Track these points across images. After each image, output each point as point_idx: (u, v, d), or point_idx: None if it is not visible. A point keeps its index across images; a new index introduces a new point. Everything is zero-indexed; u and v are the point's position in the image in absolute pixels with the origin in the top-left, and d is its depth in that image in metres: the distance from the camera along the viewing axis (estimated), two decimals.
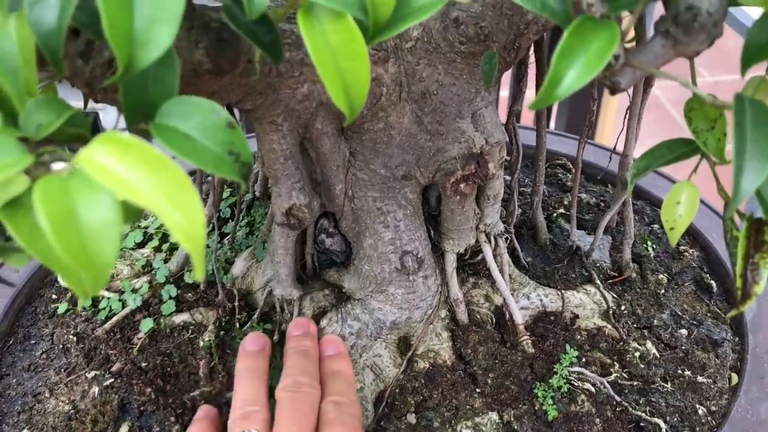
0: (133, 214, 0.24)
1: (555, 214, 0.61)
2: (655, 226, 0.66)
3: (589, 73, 0.22)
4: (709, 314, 0.59)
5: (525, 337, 0.50)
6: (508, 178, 0.57)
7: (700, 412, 0.51)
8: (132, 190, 0.18)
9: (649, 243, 0.63)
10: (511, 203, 0.53)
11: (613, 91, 0.26)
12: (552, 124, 1.32)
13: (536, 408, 0.48)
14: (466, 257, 0.52)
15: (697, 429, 0.50)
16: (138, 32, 0.22)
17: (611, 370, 0.52)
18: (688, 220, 0.34)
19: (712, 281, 0.61)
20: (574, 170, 0.56)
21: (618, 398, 0.50)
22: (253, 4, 0.24)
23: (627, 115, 0.52)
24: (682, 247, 0.63)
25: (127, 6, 0.22)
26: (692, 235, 0.65)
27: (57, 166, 0.20)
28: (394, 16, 0.26)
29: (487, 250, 0.50)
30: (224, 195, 0.63)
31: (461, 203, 0.47)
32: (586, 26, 0.23)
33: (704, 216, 0.66)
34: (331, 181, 0.46)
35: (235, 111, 0.45)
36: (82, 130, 0.24)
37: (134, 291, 0.56)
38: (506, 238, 0.52)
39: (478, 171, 0.45)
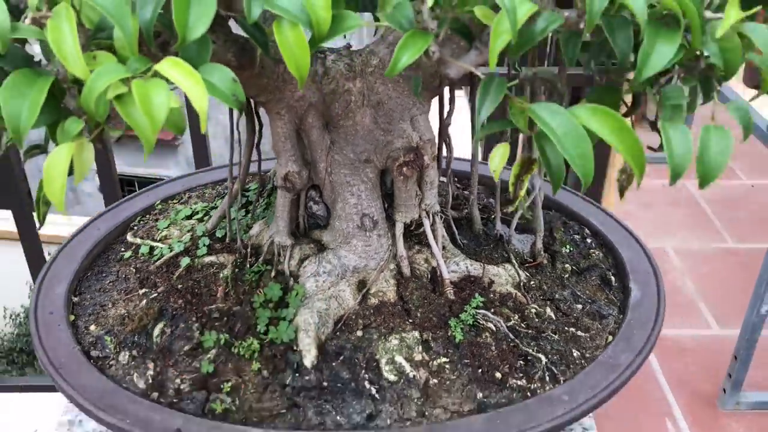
0: (177, 121, 0.46)
1: (492, 216, 0.81)
2: (577, 236, 0.85)
3: (413, 56, 0.44)
4: (605, 299, 0.77)
5: (449, 288, 0.70)
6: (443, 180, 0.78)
7: (575, 355, 0.69)
8: (175, 80, 0.40)
9: (567, 246, 0.81)
10: (447, 192, 0.74)
11: (446, 80, 0.48)
12: None
13: (449, 334, 0.67)
14: (412, 228, 0.72)
15: (570, 366, 0.67)
16: (190, 23, 0.44)
17: (512, 319, 0.70)
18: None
19: (613, 278, 0.79)
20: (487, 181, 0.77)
21: (512, 337, 0.68)
22: (250, 15, 0.46)
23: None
24: (592, 251, 0.82)
25: (186, 11, 0.44)
26: (606, 246, 0.84)
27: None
28: (329, 32, 0.48)
29: (426, 223, 0.70)
30: (253, 187, 0.85)
31: (405, 183, 0.68)
32: (416, 34, 0.44)
33: (616, 232, 0.85)
34: (317, 161, 0.68)
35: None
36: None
37: (179, 242, 0.78)
38: (442, 217, 0.72)
39: (416, 159, 0.66)
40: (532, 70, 0.50)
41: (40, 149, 0.50)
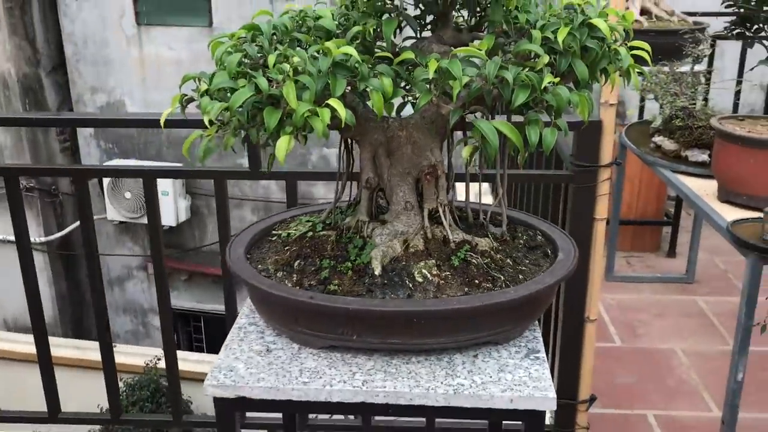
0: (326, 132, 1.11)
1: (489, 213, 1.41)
2: (531, 232, 1.44)
3: (424, 100, 1.08)
4: (543, 259, 1.34)
5: (452, 244, 1.29)
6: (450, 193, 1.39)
7: (520, 278, 1.26)
8: (336, 112, 1.05)
9: (524, 236, 1.41)
10: (451, 194, 1.36)
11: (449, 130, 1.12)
12: None
13: (451, 263, 1.26)
14: (434, 213, 1.33)
15: (517, 282, 1.25)
16: (337, 92, 1.09)
17: (485, 260, 1.28)
18: None
19: (549, 252, 1.37)
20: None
21: (485, 267, 1.26)
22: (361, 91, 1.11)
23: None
24: (539, 239, 1.41)
25: (337, 89, 1.09)
26: (548, 238, 1.42)
27: None
28: (391, 97, 1.13)
29: (440, 209, 1.31)
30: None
31: (428, 185, 1.30)
32: (426, 94, 1.09)
33: (557, 232, 1.43)
34: (383, 173, 1.31)
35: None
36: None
37: (304, 228, 1.40)
38: (449, 208, 1.33)
39: (434, 172, 1.28)
40: (478, 108, 1.13)
41: (268, 143, 1.14)
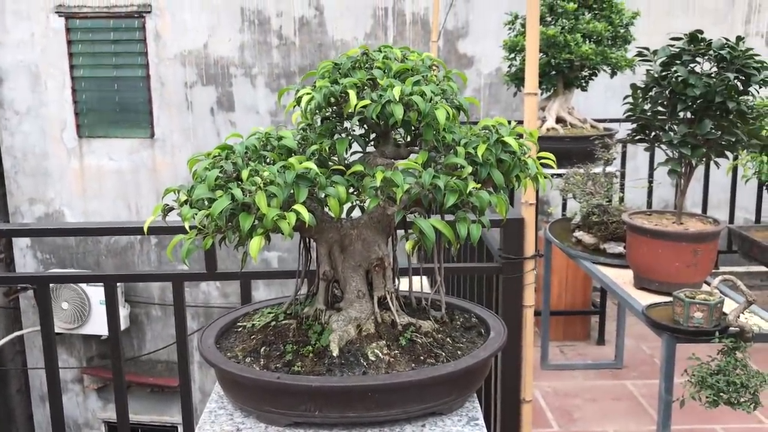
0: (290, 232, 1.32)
1: (422, 300, 1.62)
2: (466, 315, 1.65)
3: (373, 204, 1.31)
4: (478, 337, 1.55)
5: (399, 326, 1.49)
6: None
7: (459, 353, 1.46)
8: (299, 214, 1.26)
9: (460, 318, 1.62)
10: (396, 283, 1.57)
11: (393, 228, 1.34)
12: None
13: (399, 343, 1.45)
14: (382, 300, 1.53)
15: (456, 357, 1.45)
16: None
17: (428, 339, 1.48)
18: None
19: (483, 331, 1.58)
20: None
21: (429, 346, 1.46)
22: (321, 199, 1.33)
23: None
24: (474, 320, 1.62)
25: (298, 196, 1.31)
26: (482, 320, 1.64)
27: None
28: (346, 201, 1.35)
29: (388, 297, 1.52)
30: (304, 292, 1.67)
31: (377, 276, 1.51)
32: (375, 199, 1.32)
33: (489, 315, 1.65)
34: (337, 266, 1.51)
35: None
36: None
37: (267, 318, 1.58)
38: (395, 294, 1.54)
39: (381, 264, 1.50)
40: (416, 209, 1.35)
41: (241, 243, 1.33)
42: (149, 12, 6.77)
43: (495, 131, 1.36)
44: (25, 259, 7.52)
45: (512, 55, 4.46)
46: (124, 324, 7.37)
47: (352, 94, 1.32)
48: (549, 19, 4.40)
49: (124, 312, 7.39)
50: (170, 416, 7.56)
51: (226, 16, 6.70)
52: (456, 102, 1.39)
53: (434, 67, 1.44)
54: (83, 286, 6.98)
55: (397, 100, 1.30)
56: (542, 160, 1.44)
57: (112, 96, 7.01)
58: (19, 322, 7.61)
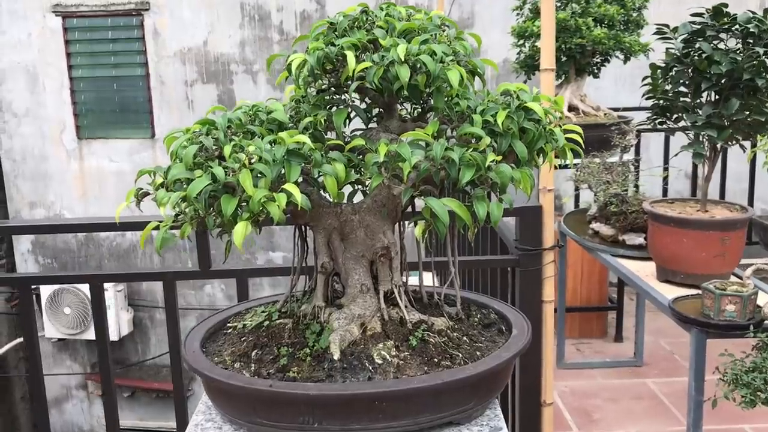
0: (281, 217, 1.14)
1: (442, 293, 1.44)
2: (484, 311, 1.47)
3: (376, 182, 1.13)
4: (498, 336, 1.37)
5: (409, 324, 1.31)
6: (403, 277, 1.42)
7: (477, 354, 1.28)
8: (291, 195, 1.08)
9: (477, 315, 1.43)
10: (405, 276, 1.38)
11: (400, 213, 1.16)
12: None
13: (409, 343, 1.27)
14: (389, 294, 1.35)
15: (474, 359, 1.26)
16: (291, 178, 1.13)
17: (442, 338, 1.30)
18: None
19: (504, 328, 1.40)
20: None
21: (443, 346, 1.28)
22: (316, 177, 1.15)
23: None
24: (493, 317, 1.44)
25: (291, 174, 1.13)
26: (501, 316, 1.45)
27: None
28: (344, 182, 1.17)
29: (395, 291, 1.34)
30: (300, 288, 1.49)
31: (383, 267, 1.33)
32: (378, 176, 1.14)
33: (509, 309, 1.47)
34: (337, 257, 1.33)
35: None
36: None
37: (260, 318, 1.40)
38: (404, 289, 1.36)
39: (387, 253, 1.31)
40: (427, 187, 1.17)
41: (225, 230, 1.15)
42: (147, 9, 6.61)
43: (516, 97, 1.18)
44: (27, 264, 7.37)
45: (521, 42, 4.28)
46: (127, 328, 7.22)
47: (350, 55, 1.14)
48: (559, 3, 4.21)
49: (127, 316, 7.23)
50: (173, 421, 7.40)
51: (226, 11, 6.53)
52: (470, 65, 1.21)
53: (445, 26, 1.25)
54: (85, 290, 6.81)
55: (403, 60, 1.12)
56: (568, 135, 1.26)
57: (111, 96, 6.86)
58: (21, 328, 7.46)
